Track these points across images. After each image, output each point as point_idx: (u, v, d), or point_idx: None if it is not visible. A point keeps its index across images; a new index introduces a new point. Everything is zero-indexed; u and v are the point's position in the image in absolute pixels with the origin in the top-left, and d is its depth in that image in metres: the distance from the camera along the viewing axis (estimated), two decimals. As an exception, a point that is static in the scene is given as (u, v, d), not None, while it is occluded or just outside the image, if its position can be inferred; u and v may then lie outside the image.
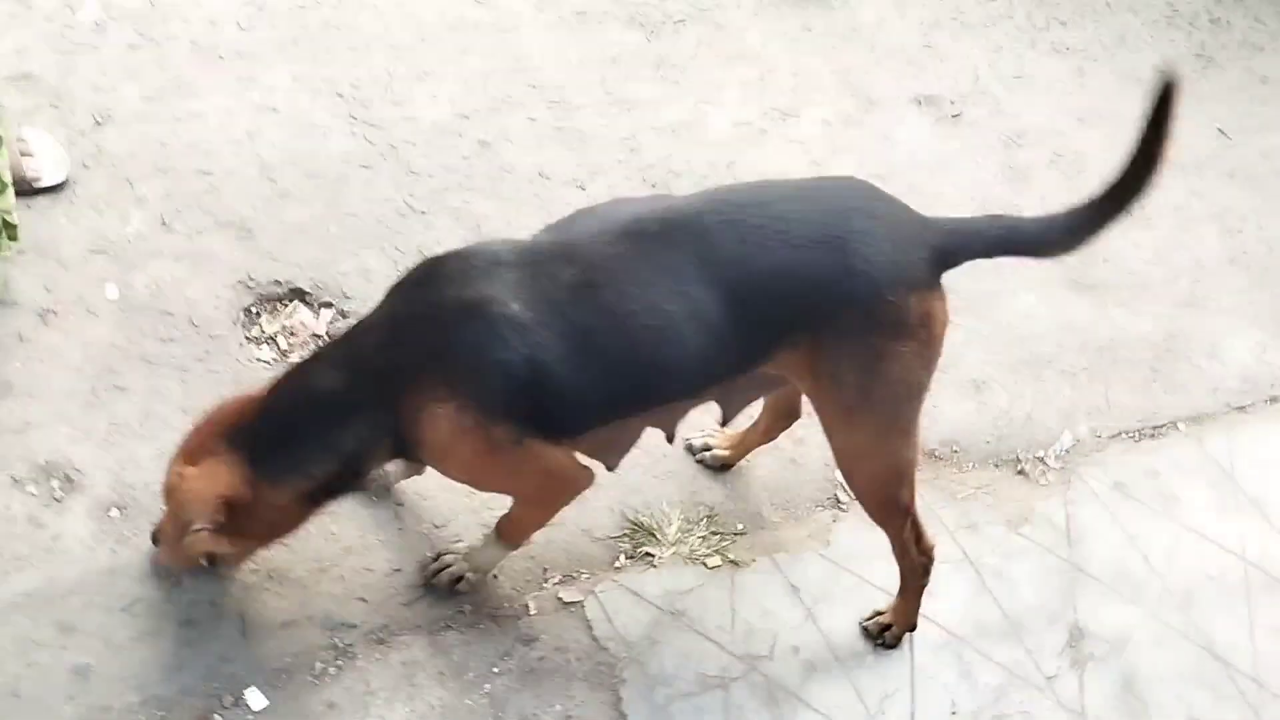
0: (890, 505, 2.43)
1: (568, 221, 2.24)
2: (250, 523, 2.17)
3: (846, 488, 2.87)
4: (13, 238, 2.70)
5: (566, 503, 2.37)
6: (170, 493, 2.19)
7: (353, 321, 2.24)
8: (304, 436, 2.13)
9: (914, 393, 2.27)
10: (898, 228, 2.15)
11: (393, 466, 2.58)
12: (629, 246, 2.08)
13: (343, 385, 2.11)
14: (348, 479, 2.20)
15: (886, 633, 2.66)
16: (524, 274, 2.06)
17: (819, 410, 2.32)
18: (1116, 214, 2.14)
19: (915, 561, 2.53)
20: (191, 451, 2.17)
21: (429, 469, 2.58)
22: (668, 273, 2.06)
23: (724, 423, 2.50)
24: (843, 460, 2.40)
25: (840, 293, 2.11)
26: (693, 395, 2.27)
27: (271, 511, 2.18)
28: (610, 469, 2.42)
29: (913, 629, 2.66)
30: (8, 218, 2.66)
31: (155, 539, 2.37)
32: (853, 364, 2.18)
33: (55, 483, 2.53)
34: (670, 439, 2.49)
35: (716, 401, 2.40)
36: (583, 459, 2.33)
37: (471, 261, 2.11)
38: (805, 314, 2.14)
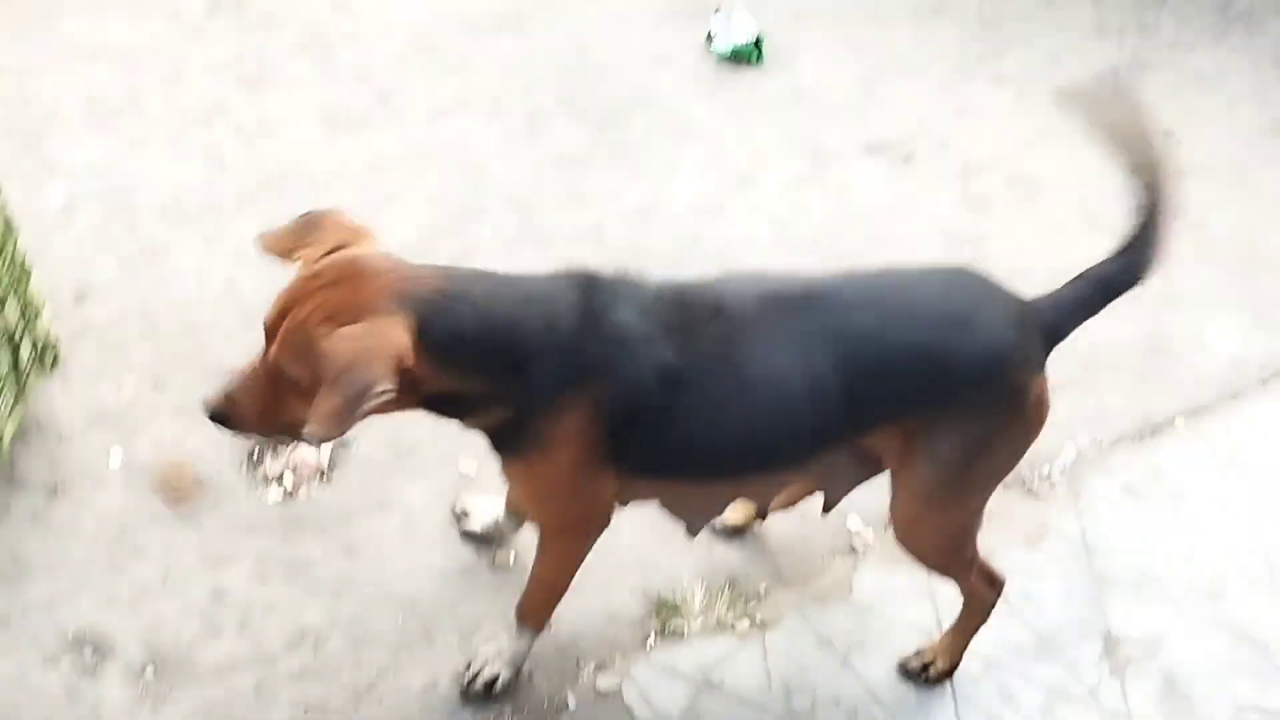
0: (954, 563, 2.47)
1: (718, 278, 2.23)
2: (416, 384, 1.97)
3: (863, 536, 2.91)
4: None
5: (586, 547, 2.38)
6: (327, 356, 1.87)
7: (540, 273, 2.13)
8: (480, 342, 2.00)
9: (1007, 471, 2.32)
10: (1020, 313, 2.20)
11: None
12: (770, 312, 2.12)
13: (531, 339, 2.03)
14: (461, 408, 2.11)
15: (930, 669, 2.67)
16: (679, 318, 2.09)
17: (902, 483, 2.31)
18: (1163, 207, 2.21)
19: (986, 601, 2.56)
20: (340, 312, 1.90)
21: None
22: (798, 341, 2.09)
23: (825, 510, 2.53)
24: (910, 530, 2.39)
25: (970, 372, 2.14)
26: (788, 466, 2.29)
27: (416, 385, 1.99)
28: (691, 533, 2.47)
29: (957, 666, 2.68)
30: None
31: (220, 416, 2.07)
32: (961, 442, 2.20)
33: (87, 652, 2.56)
34: (763, 516, 2.52)
35: (820, 483, 2.46)
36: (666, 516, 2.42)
37: (643, 292, 2.11)
38: (929, 391, 2.16)
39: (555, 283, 2.12)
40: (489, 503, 2.79)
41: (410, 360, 1.91)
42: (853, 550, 2.90)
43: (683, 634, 2.72)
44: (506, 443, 2.18)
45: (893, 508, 2.36)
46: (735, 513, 2.84)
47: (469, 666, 2.56)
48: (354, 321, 1.89)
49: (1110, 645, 2.78)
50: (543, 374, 2.06)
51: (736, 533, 2.86)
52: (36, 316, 2.80)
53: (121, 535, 2.74)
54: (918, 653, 2.69)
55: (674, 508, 2.43)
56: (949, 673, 2.67)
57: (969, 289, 2.22)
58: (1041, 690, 2.69)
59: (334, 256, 1.99)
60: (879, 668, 2.70)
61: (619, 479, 2.21)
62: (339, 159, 3.62)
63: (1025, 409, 2.20)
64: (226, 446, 2.92)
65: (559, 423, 2.09)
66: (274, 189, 3.50)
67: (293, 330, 1.94)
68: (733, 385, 2.11)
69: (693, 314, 2.11)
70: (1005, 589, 2.62)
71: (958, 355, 2.14)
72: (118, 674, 2.54)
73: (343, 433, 1.88)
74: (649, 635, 2.72)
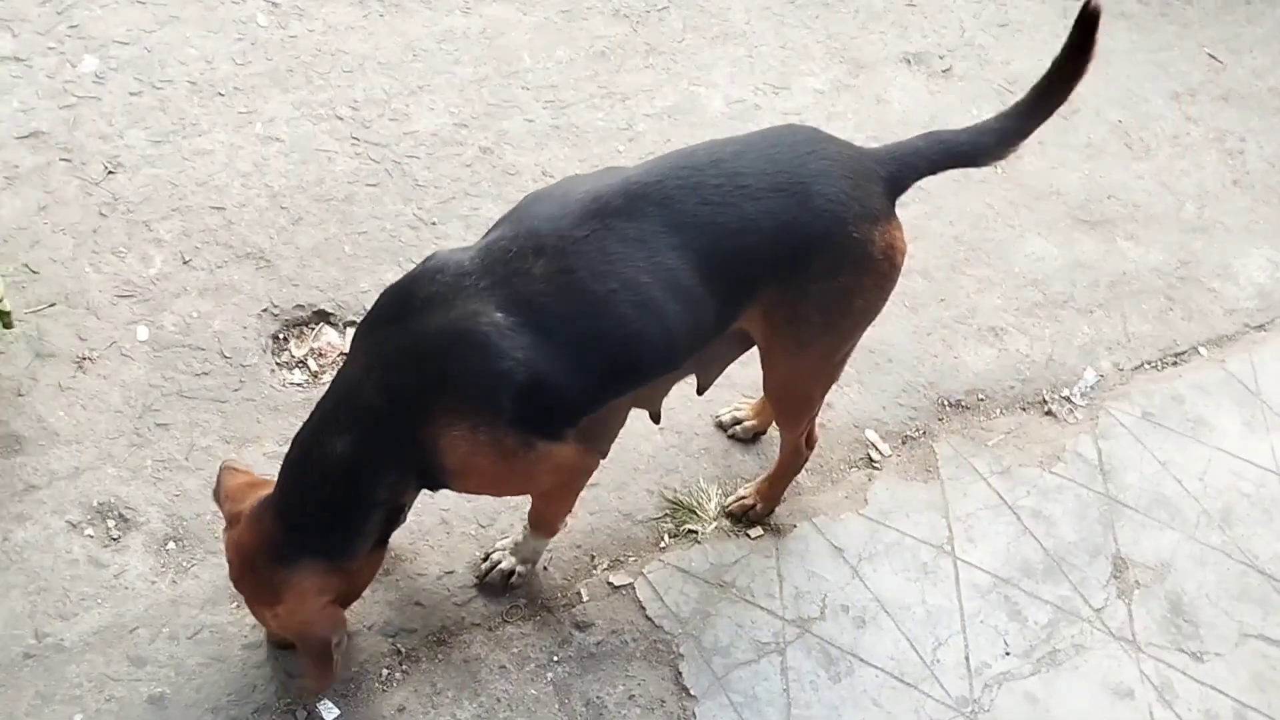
0: (806, 416, 2.55)
1: (522, 209, 2.19)
2: (348, 592, 2.28)
3: (880, 449, 2.93)
4: (7, 325, 2.75)
5: (581, 489, 2.41)
6: (291, 636, 2.25)
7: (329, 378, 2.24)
8: (346, 508, 2.14)
9: (868, 322, 2.33)
10: (850, 165, 2.18)
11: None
12: (596, 226, 2.06)
13: (357, 446, 2.09)
14: (395, 518, 2.25)
15: (751, 512, 2.75)
16: (495, 278, 2.04)
17: (772, 351, 2.34)
18: (1042, 118, 2.28)
19: (803, 457, 2.67)
20: (264, 595, 2.19)
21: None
22: (639, 245, 2.05)
23: (700, 391, 2.51)
24: (780, 388, 2.46)
25: (807, 236, 2.13)
26: (677, 365, 2.24)
27: (357, 575, 2.26)
28: (602, 455, 2.40)
29: (772, 511, 2.77)
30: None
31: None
32: (820, 303, 2.21)
33: (111, 523, 2.60)
34: (656, 418, 2.46)
35: (695, 371, 2.41)
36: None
37: (439, 281, 2.07)
38: (775, 263, 2.15)
39: (348, 372, 2.16)
40: None
41: (338, 580, 2.19)
42: (870, 463, 2.92)
43: (696, 536, 2.75)
44: (438, 486, 2.20)
45: (766, 374, 2.41)
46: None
47: (486, 558, 2.60)
48: (277, 600, 2.17)
49: (1119, 568, 2.81)
50: (391, 448, 2.10)
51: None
52: None
53: (146, 410, 2.77)
54: (739, 498, 2.77)
55: (582, 440, 2.30)
56: (767, 515, 2.77)
57: (798, 150, 2.18)
58: (1048, 609, 2.73)
59: (230, 540, 2.24)
60: (888, 579, 2.73)
61: (562, 436, 2.17)
62: (371, 44, 3.57)
63: (872, 259, 2.19)
64: (251, 328, 2.93)
65: (445, 445, 2.08)
66: (305, 73, 3.46)
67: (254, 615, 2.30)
68: (594, 312, 2.05)
69: (512, 264, 2.05)
70: (1017, 507, 2.63)
71: (794, 220, 2.12)
72: (140, 545, 2.58)
73: (335, 677, 2.26)
74: (663, 536, 2.76)
